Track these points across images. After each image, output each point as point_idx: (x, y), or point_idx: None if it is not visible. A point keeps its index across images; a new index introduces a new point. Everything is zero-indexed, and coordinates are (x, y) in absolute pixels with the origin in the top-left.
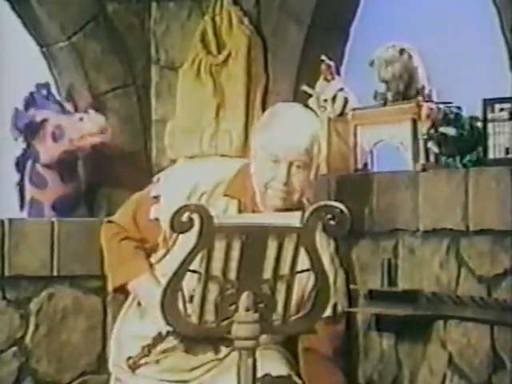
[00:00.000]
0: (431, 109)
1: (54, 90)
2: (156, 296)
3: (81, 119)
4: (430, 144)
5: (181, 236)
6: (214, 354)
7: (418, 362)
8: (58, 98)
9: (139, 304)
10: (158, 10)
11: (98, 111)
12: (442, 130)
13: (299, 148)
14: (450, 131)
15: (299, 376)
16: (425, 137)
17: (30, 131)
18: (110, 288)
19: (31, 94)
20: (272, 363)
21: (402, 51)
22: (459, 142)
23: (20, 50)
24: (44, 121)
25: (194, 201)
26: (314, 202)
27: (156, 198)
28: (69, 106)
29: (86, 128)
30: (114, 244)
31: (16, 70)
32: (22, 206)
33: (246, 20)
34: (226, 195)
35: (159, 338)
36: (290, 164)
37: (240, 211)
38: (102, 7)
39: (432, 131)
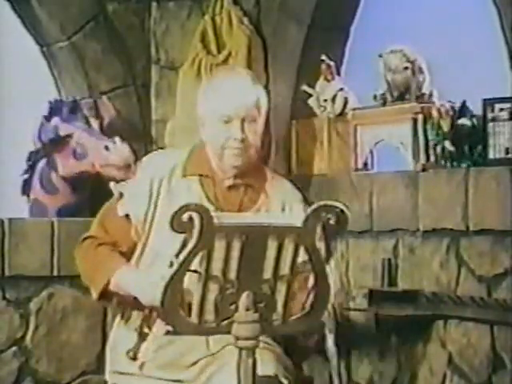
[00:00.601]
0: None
1: (54, 88)
2: (140, 279)
3: (106, 148)
4: (446, 143)
5: (155, 228)
6: (205, 346)
7: (417, 361)
8: (84, 112)
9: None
10: (158, 9)
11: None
12: (460, 122)
13: (248, 103)
14: (467, 122)
15: (291, 376)
16: (439, 138)
17: (54, 145)
18: (94, 296)
19: (56, 101)
20: (260, 362)
21: (406, 68)
22: (473, 134)
23: (20, 50)
24: (67, 136)
25: (155, 188)
26: (314, 201)
27: (120, 198)
28: (93, 122)
29: (111, 159)
30: (90, 252)
31: (16, 70)
32: (24, 192)
33: (245, 20)
34: (184, 176)
35: (148, 313)
36: (243, 120)
37: (202, 185)
38: (102, 7)
39: (446, 129)
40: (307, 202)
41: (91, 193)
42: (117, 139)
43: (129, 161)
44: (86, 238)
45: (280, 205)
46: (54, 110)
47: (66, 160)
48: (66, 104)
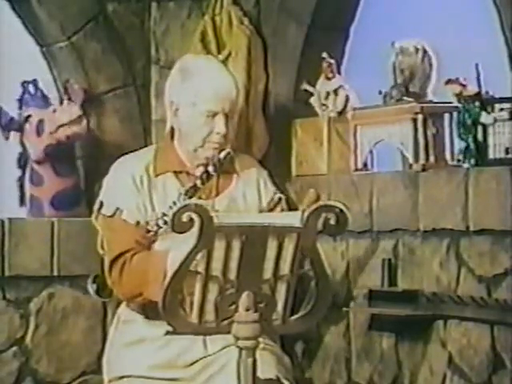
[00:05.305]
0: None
1: (54, 88)
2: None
3: (54, 111)
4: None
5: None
6: (202, 347)
7: (417, 361)
8: (45, 92)
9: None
10: (158, 9)
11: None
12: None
13: (232, 98)
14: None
15: (291, 377)
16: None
17: (15, 128)
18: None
19: (23, 92)
20: (262, 365)
21: (417, 50)
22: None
23: (20, 49)
24: (28, 117)
25: (138, 183)
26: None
27: (100, 207)
28: (53, 100)
29: (59, 119)
30: (130, 267)
31: (16, 70)
32: (21, 202)
33: (245, 20)
34: (156, 175)
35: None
36: (226, 115)
37: (178, 179)
38: (101, 7)
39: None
40: (271, 175)
41: (80, 178)
42: (65, 101)
43: (77, 114)
44: (114, 261)
45: (255, 180)
46: (21, 100)
47: (33, 140)
48: (28, 91)
